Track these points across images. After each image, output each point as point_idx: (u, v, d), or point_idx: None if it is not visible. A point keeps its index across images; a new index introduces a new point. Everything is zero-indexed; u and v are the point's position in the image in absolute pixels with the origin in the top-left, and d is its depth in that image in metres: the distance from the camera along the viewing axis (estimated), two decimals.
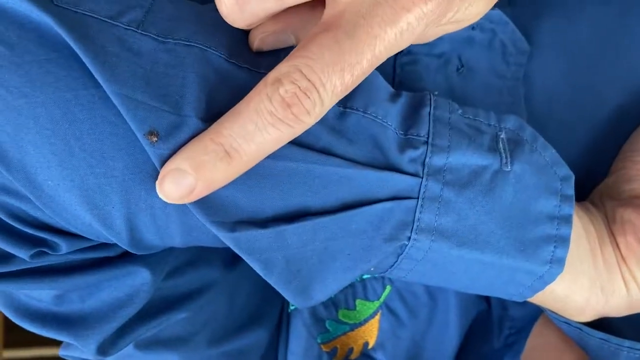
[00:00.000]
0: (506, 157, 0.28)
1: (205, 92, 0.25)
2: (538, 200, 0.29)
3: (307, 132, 0.25)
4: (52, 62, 0.24)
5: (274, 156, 0.25)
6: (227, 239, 0.26)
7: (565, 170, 0.30)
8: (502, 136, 0.29)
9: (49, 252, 0.28)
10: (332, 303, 0.42)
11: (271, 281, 0.28)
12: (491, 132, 0.29)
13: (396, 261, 0.29)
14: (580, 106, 0.37)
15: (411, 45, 0.34)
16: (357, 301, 0.42)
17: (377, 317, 0.42)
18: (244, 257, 0.27)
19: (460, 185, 0.28)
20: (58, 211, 0.25)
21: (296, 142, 0.26)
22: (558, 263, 0.29)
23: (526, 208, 0.29)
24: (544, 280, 0.29)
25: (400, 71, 0.36)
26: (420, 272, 0.30)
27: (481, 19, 0.29)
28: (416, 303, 0.42)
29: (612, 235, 0.32)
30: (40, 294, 0.31)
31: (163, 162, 0.24)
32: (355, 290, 0.42)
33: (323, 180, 0.26)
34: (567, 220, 0.29)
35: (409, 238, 0.28)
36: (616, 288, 0.31)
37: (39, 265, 0.28)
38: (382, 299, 0.42)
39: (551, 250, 0.29)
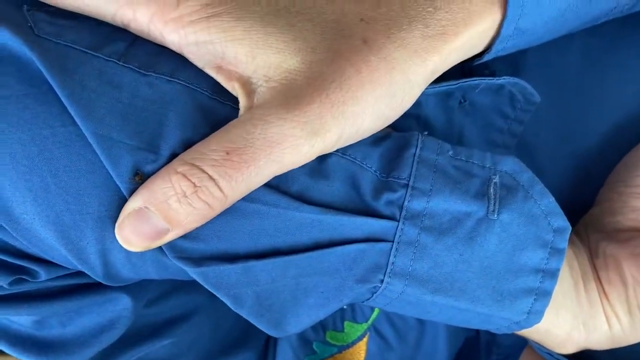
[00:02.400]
0: (494, 205, 0.28)
1: (184, 130, 0.25)
2: (524, 252, 0.28)
3: (282, 175, 0.25)
4: (30, 97, 0.24)
5: (246, 198, 0.25)
6: (194, 273, 0.26)
7: (560, 222, 0.28)
8: (495, 180, 0.28)
9: (28, 279, 0.28)
10: (320, 324, 0.42)
11: (242, 314, 0.28)
12: (483, 176, 0.28)
13: (371, 297, 0.29)
14: (568, 135, 0.37)
15: None
16: (346, 323, 0.42)
17: (365, 339, 0.42)
18: (213, 292, 0.27)
19: (439, 231, 0.27)
20: (35, 243, 0.26)
21: (270, 185, 0.26)
22: (536, 314, 0.28)
23: (509, 259, 0.28)
24: (520, 326, 0.29)
25: None
26: (396, 307, 0.30)
27: (487, 79, 0.29)
28: (405, 327, 0.41)
29: (595, 270, 0.32)
30: (20, 319, 0.31)
31: None
32: (343, 312, 0.41)
33: (295, 223, 0.26)
34: (552, 274, 0.28)
35: (382, 281, 0.28)
36: (598, 323, 0.31)
37: (18, 291, 0.29)
38: (370, 322, 0.41)
39: (530, 303, 0.28)
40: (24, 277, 0.28)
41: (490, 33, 0.28)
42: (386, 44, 0.25)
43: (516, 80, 0.31)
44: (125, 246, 0.25)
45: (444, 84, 0.31)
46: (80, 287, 0.31)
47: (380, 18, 0.26)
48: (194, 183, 0.24)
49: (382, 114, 0.26)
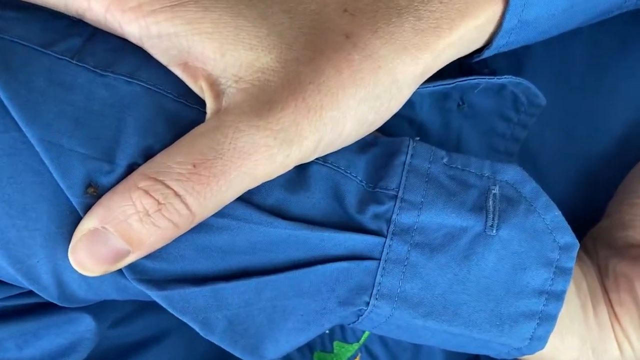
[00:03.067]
0: (493, 219, 0.25)
1: (145, 137, 0.22)
2: (525, 272, 0.25)
3: (256, 187, 0.23)
4: None
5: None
6: (157, 297, 0.24)
7: (567, 238, 0.26)
8: (494, 191, 0.26)
9: None
10: (307, 345, 0.39)
11: (213, 341, 0.25)
12: (481, 186, 0.26)
13: (357, 320, 0.26)
14: (574, 135, 0.34)
15: None
16: (335, 343, 0.39)
17: None
18: (179, 317, 0.24)
19: (431, 248, 0.25)
20: None
21: (242, 198, 0.23)
22: (539, 340, 0.26)
23: (509, 279, 0.25)
24: (521, 352, 0.27)
25: None
26: (385, 330, 0.27)
27: (487, 78, 0.27)
28: (398, 347, 0.39)
29: (604, 290, 0.29)
30: None
31: None
32: (332, 331, 0.39)
33: (269, 239, 0.24)
34: (558, 297, 0.26)
35: (368, 303, 0.25)
36: (609, 349, 0.29)
37: None
38: (361, 341, 0.39)
39: (533, 328, 0.26)
40: None
41: (491, 26, 0.25)
42: (372, 40, 0.23)
43: (519, 80, 0.29)
44: (80, 271, 0.22)
45: (439, 82, 0.29)
46: (37, 306, 0.28)
47: (366, 9, 0.23)
48: (157, 200, 0.21)
49: (365, 119, 0.23)
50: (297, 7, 0.23)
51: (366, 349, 0.39)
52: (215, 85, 0.23)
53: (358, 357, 0.40)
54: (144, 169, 0.22)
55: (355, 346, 0.39)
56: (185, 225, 0.22)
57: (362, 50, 0.23)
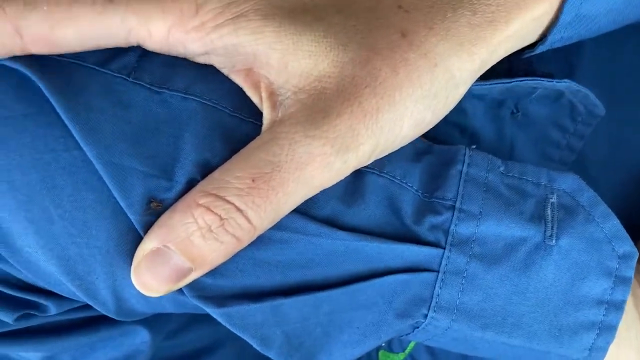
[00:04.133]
0: (552, 229, 0.25)
1: (202, 152, 0.22)
2: (585, 282, 0.25)
3: (313, 198, 0.23)
4: (30, 119, 0.22)
5: (272, 226, 0.23)
6: (216, 314, 0.23)
7: (627, 247, 0.25)
8: (552, 200, 0.25)
9: (37, 313, 0.26)
10: None
11: (270, 356, 0.25)
12: (539, 195, 0.25)
13: (412, 332, 0.26)
14: (624, 143, 0.33)
15: None
16: (380, 353, 0.39)
17: None
18: (237, 334, 0.24)
19: (490, 259, 0.24)
20: (40, 276, 0.23)
21: (298, 210, 0.23)
22: (598, 351, 0.25)
23: (569, 290, 0.25)
24: None
25: None
26: (440, 342, 0.27)
27: (545, 81, 0.26)
28: (446, 357, 0.38)
29: None
30: (28, 355, 0.29)
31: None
32: None
33: (327, 252, 0.24)
34: (618, 306, 0.25)
35: (426, 316, 0.25)
36: None
37: (26, 326, 0.26)
38: (407, 351, 0.39)
39: (592, 338, 0.25)
40: (31, 312, 0.25)
41: (546, 20, 0.25)
42: (428, 37, 0.23)
43: (578, 87, 0.28)
44: (143, 292, 0.22)
45: (496, 81, 0.28)
46: (93, 319, 0.28)
47: (421, 5, 0.23)
48: (219, 216, 0.21)
49: (422, 119, 0.23)
50: (350, 5, 0.23)
51: (412, 359, 0.39)
52: (274, 96, 0.22)
53: None
54: (202, 186, 0.22)
55: (401, 356, 0.39)
56: (247, 239, 0.22)
57: (418, 49, 0.22)
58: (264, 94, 0.23)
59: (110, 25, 0.21)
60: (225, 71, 0.23)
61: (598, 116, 0.30)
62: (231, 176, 0.21)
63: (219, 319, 0.24)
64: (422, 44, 0.22)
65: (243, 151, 0.22)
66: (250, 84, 0.23)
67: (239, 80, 0.23)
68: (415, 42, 0.22)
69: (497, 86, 0.28)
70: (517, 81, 0.28)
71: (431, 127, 0.24)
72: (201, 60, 0.23)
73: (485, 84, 0.28)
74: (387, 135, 0.22)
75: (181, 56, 0.23)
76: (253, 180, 0.21)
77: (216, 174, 0.22)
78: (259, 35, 0.22)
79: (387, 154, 0.24)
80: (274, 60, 0.22)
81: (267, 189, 0.21)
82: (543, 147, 0.32)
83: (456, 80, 0.23)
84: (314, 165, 0.21)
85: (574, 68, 0.33)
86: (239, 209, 0.21)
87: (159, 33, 0.22)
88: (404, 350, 0.39)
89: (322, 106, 0.22)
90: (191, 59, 0.23)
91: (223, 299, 0.23)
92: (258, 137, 0.22)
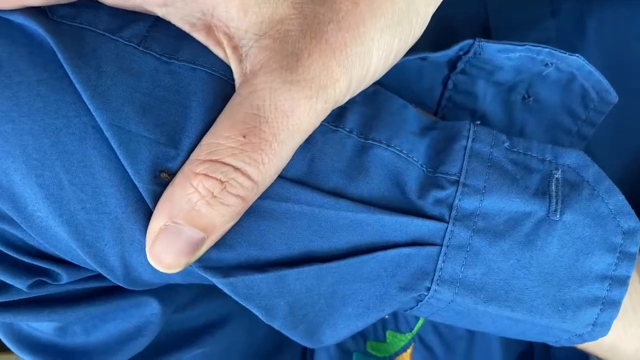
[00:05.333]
0: (556, 204, 0.25)
1: (209, 122, 0.22)
2: (589, 257, 0.25)
3: (316, 170, 0.23)
4: (43, 84, 0.22)
5: (276, 197, 0.23)
6: (222, 284, 0.24)
7: (632, 222, 0.25)
8: (557, 176, 0.25)
9: (49, 281, 0.26)
10: (360, 334, 0.39)
11: (275, 326, 0.25)
12: (544, 170, 0.25)
13: (415, 306, 0.26)
14: (631, 116, 0.33)
15: (467, 65, 0.31)
16: (388, 332, 0.39)
17: (409, 350, 0.39)
18: (242, 304, 0.24)
19: (494, 233, 0.24)
20: (52, 242, 0.24)
21: (303, 182, 0.23)
22: (602, 327, 0.25)
23: (573, 264, 0.25)
24: (583, 339, 0.26)
25: (452, 88, 0.32)
26: (443, 317, 0.27)
27: (558, 61, 0.26)
28: (453, 337, 0.39)
29: None
30: (42, 325, 0.29)
31: (157, 200, 0.22)
32: (385, 320, 0.39)
33: (331, 224, 0.24)
34: (622, 282, 0.25)
35: (429, 289, 0.25)
36: None
37: (38, 295, 0.27)
38: (415, 331, 0.39)
39: (596, 313, 0.25)
40: (44, 279, 0.26)
41: None
42: None
43: (590, 68, 0.28)
44: (163, 269, 0.22)
45: (510, 42, 0.28)
46: (104, 290, 0.29)
47: None
48: (219, 179, 0.21)
49: (390, 48, 0.23)
50: None
51: (419, 338, 0.39)
52: (238, 49, 0.22)
53: (412, 347, 0.39)
54: (195, 155, 0.22)
55: (409, 336, 0.39)
56: (252, 196, 0.22)
57: None
58: (227, 50, 0.22)
59: None
60: (186, 28, 0.23)
61: (611, 103, 0.30)
62: (221, 138, 0.21)
63: (225, 289, 0.24)
64: None
65: (225, 111, 0.22)
66: (213, 41, 0.23)
67: (200, 38, 0.23)
68: None
69: (514, 55, 0.28)
70: (530, 45, 0.28)
71: (401, 56, 0.24)
72: (159, 13, 0.23)
73: (502, 44, 0.28)
74: (358, 69, 0.22)
75: (137, 9, 0.23)
76: (244, 137, 0.21)
77: (205, 139, 0.22)
78: None
79: (362, 89, 0.24)
80: (234, 8, 0.22)
81: (259, 142, 0.21)
82: (553, 133, 0.31)
83: (416, 4, 0.23)
84: (299, 110, 0.21)
85: (576, 46, 0.33)
86: (237, 168, 0.21)
87: None
88: (411, 330, 0.39)
89: (290, 49, 0.22)
90: (150, 13, 0.23)
91: (228, 269, 0.24)
92: (235, 94, 0.22)
